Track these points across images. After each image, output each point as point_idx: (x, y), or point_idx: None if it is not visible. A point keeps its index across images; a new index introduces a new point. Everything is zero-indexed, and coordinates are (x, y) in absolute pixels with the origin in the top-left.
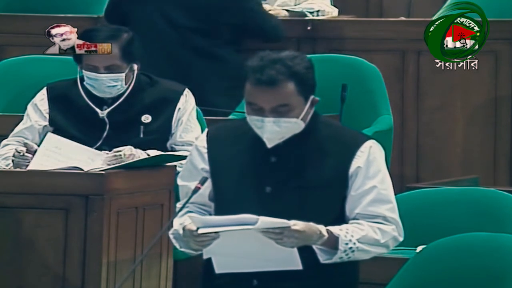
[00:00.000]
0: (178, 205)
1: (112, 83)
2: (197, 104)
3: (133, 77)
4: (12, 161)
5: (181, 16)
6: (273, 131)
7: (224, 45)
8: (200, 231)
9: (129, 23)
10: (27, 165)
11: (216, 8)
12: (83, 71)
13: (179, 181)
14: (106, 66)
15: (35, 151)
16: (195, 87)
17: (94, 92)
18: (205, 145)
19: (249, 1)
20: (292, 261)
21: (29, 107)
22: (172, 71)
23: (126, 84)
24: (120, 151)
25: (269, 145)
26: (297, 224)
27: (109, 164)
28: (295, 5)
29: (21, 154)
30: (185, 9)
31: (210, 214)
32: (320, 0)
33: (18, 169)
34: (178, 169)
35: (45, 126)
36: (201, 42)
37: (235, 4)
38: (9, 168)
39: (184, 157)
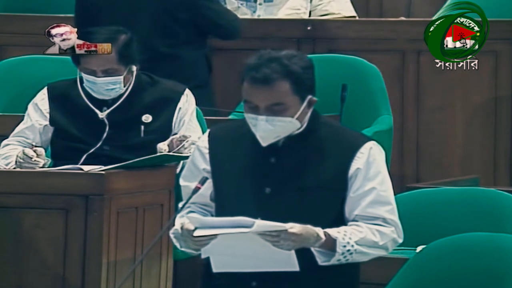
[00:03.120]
0: (180, 205)
1: (111, 86)
2: None
3: (132, 78)
4: (16, 162)
5: (139, 17)
6: (266, 129)
7: (182, 45)
8: (196, 233)
9: (90, 23)
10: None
11: (170, 5)
12: (82, 73)
13: (181, 182)
14: (103, 70)
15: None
16: None
17: (93, 94)
18: (207, 145)
19: None
20: (289, 262)
21: (30, 107)
22: None
23: (125, 86)
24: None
25: (264, 144)
26: (294, 227)
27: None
28: (311, 10)
29: (32, 159)
30: (142, 9)
31: (212, 215)
32: (339, 4)
33: (18, 169)
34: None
35: (46, 125)
36: (159, 43)
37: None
38: (9, 168)
39: (185, 157)
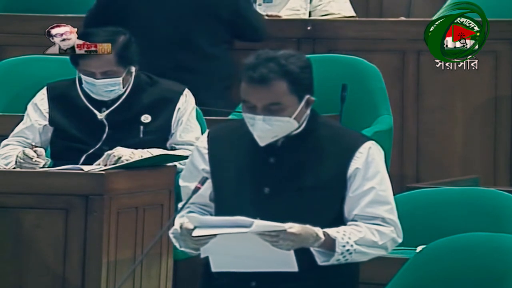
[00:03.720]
0: (180, 205)
1: (110, 88)
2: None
3: (131, 79)
4: (16, 162)
5: (180, 13)
6: (264, 129)
7: (218, 44)
8: (195, 233)
9: (123, 19)
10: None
11: (213, 3)
12: (81, 74)
13: (181, 182)
14: (102, 71)
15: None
16: (189, 88)
17: (93, 96)
18: (206, 145)
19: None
20: (288, 262)
21: (29, 107)
22: (165, 69)
23: (124, 87)
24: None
25: (261, 143)
26: (293, 227)
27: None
28: (311, 11)
29: (32, 159)
30: (183, 6)
31: (211, 215)
32: (339, 4)
33: (18, 169)
34: (180, 166)
35: (45, 125)
36: (203, 41)
37: (230, 0)
38: (9, 168)
39: (184, 157)
